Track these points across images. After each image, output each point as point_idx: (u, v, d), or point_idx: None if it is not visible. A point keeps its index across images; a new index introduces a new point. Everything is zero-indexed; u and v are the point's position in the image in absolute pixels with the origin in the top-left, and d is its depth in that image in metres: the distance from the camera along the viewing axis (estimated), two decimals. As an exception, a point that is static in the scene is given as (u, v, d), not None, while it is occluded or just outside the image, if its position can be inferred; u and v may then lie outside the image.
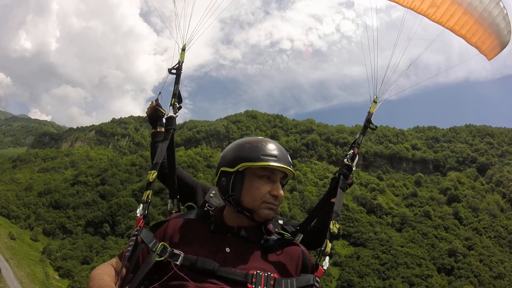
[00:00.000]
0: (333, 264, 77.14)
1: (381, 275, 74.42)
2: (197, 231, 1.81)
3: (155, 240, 1.76)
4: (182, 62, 2.75)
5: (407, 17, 3.13)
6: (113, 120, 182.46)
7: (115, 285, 1.70)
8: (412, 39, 3.11)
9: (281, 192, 1.78)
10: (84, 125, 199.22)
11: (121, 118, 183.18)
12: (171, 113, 2.58)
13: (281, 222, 2.54)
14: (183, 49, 2.79)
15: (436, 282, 71.52)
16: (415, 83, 3.81)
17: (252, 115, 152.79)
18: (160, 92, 2.80)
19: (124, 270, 1.75)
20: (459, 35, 3.18)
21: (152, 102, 2.80)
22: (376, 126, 2.76)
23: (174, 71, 2.71)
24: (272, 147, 1.82)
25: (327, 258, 1.93)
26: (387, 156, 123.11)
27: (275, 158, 1.76)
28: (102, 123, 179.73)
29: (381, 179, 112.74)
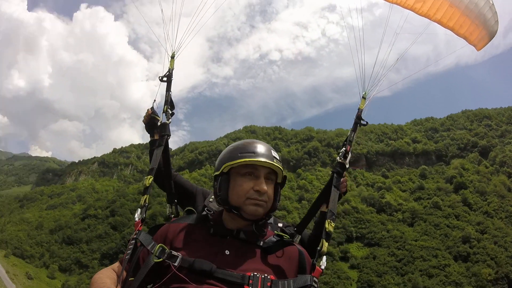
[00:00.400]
0: (351, 267, 77.63)
1: (399, 271, 74.46)
2: (197, 234, 1.84)
3: (153, 242, 1.79)
4: (172, 70, 2.80)
5: (392, 12, 3.14)
6: (114, 150, 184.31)
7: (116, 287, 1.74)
8: (399, 34, 3.11)
9: (264, 186, 1.78)
10: (85, 158, 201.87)
11: (122, 147, 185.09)
12: (164, 120, 2.64)
13: (280, 225, 2.63)
14: (172, 57, 2.84)
15: (454, 270, 71.59)
16: (406, 76, 3.82)
17: (251, 130, 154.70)
18: (154, 100, 2.82)
19: (124, 273, 1.78)
20: (447, 28, 3.19)
21: (147, 110, 2.84)
22: (366, 122, 2.77)
23: (165, 78, 2.77)
24: (252, 145, 1.87)
25: (324, 257, 1.96)
26: (389, 153, 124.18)
27: (252, 154, 1.81)
28: (104, 154, 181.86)
29: (386, 177, 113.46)
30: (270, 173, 1.84)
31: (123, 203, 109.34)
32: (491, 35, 3.22)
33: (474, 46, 3.28)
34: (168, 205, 2.71)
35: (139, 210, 2.06)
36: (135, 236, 1.88)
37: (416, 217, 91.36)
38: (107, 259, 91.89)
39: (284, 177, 1.93)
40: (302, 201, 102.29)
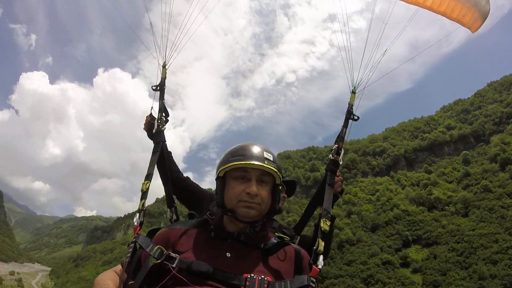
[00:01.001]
0: (413, 271, 77.47)
1: (462, 265, 73.05)
2: (198, 238, 1.84)
3: (152, 245, 1.80)
4: (165, 79, 2.88)
5: (379, 2, 3.01)
6: (157, 200, 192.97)
7: None
8: (387, 24, 3.01)
9: (253, 189, 1.77)
10: (130, 212, 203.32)
11: (163, 196, 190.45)
12: (159, 127, 2.70)
13: (284, 230, 2.58)
14: (164, 66, 2.90)
15: (517, 251, 69.86)
16: (408, 59, 3.49)
17: (285, 156, 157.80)
18: (152, 107, 2.81)
19: (125, 275, 1.79)
20: (438, 13, 3.13)
21: (146, 117, 2.83)
22: (358, 117, 2.71)
23: (158, 87, 2.84)
24: (243, 148, 1.87)
25: (321, 257, 1.94)
26: (427, 147, 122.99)
27: (242, 157, 1.81)
28: (148, 205, 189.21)
29: (429, 172, 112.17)
30: (264, 175, 1.84)
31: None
32: (484, 15, 3.14)
33: (468, 28, 3.23)
34: (168, 209, 2.79)
35: (137, 214, 2.13)
36: (134, 239, 1.91)
37: (468, 206, 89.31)
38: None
39: (293, 182, 2.03)
40: (351, 216, 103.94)
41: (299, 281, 1.73)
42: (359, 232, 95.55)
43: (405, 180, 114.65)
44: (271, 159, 1.86)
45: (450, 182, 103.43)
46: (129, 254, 1.86)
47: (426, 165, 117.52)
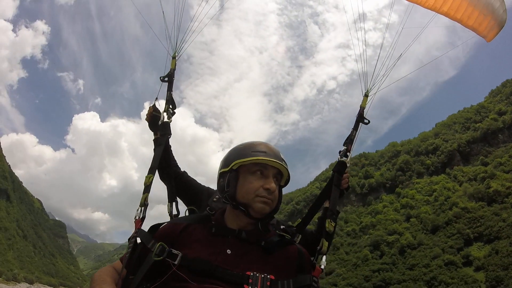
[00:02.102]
0: (476, 269, 78.48)
1: None
2: (199, 234, 1.82)
3: (153, 241, 1.77)
4: (174, 70, 2.81)
5: (397, 8, 3.01)
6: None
7: (116, 286, 1.72)
8: (404, 29, 3.01)
9: (273, 185, 1.80)
10: None
11: None
12: (166, 119, 2.63)
13: (282, 226, 2.53)
14: (174, 57, 2.85)
15: None
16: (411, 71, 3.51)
17: None
18: (156, 98, 2.77)
19: (124, 271, 1.77)
20: (454, 19, 3.12)
21: (149, 108, 2.77)
22: (369, 121, 2.69)
23: (166, 78, 2.77)
24: (263, 145, 1.90)
25: (324, 257, 1.97)
26: (480, 138, 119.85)
27: (264, 153, 1.83)
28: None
29: (485, 164, 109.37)
30: (278, 173, 1.88)
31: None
32: (501, 24, 3.10)
33: (483, 37, 3.19)
34: (168, 203, 2.70)
35: (139, 208, 2.09)
36: (135, 234, 1.89)
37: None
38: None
39: (288, 178, 1.96)
40: (410, 219, 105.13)
41: (301, 280, 1.74)
42: (419, 235, 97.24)
43: (462, 176, 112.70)
44: (285, 160, 1.91)
45: (508, 172, 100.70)
46: (129, 250, 1.85)
47: (482, 157, 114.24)
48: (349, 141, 2.63)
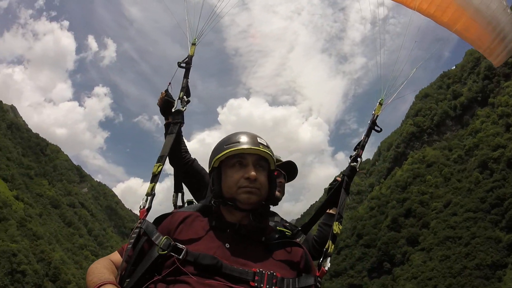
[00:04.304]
0: None
1: None
2: (199, 226, 1.78)
3: (158, 233, 1.72)
4: (192, 56, 2.76)
5: (414, 18, 3.09)
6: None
7: (115, 278, 1.66)
8: (418, 42, 3.06)
9: (252, 173, 1.71)
10: None
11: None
12: (179, 107, 2.55)
13: (286, 224, 2.68)
14: (194, 44, 2.80)
15: None
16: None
17: (423, 96, 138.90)
18: (169, 83, 2.72)
19: (124, 263, 1.71)
20: (466, 40, 3.20)
21: (161, 92, 2.73)
22: (381, 129, 2.70)
23: (183, 64, 2.73)
24: (236, 135, 1.83)
25: (329, 259, 1.96)
26: None
27: (238, 143, 1.77)
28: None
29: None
30: (260, 159, 1.80)
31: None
32: (510, 52, 3.17)
33: (492, 61, 3.30)
34: (174, 194, 2.65)
35: (145, 197, 2.01)
36: (139, 225, 1.80)
37: None
38: None
39: (290, 164, 1.92)
40: (510, 128, 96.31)
41: (307, 280, 1.73)
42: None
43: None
44: (265, 143, 1.83)
45: None
46: (131, 240, 1.76)
47: None
48: (360, 147, 2.65)
